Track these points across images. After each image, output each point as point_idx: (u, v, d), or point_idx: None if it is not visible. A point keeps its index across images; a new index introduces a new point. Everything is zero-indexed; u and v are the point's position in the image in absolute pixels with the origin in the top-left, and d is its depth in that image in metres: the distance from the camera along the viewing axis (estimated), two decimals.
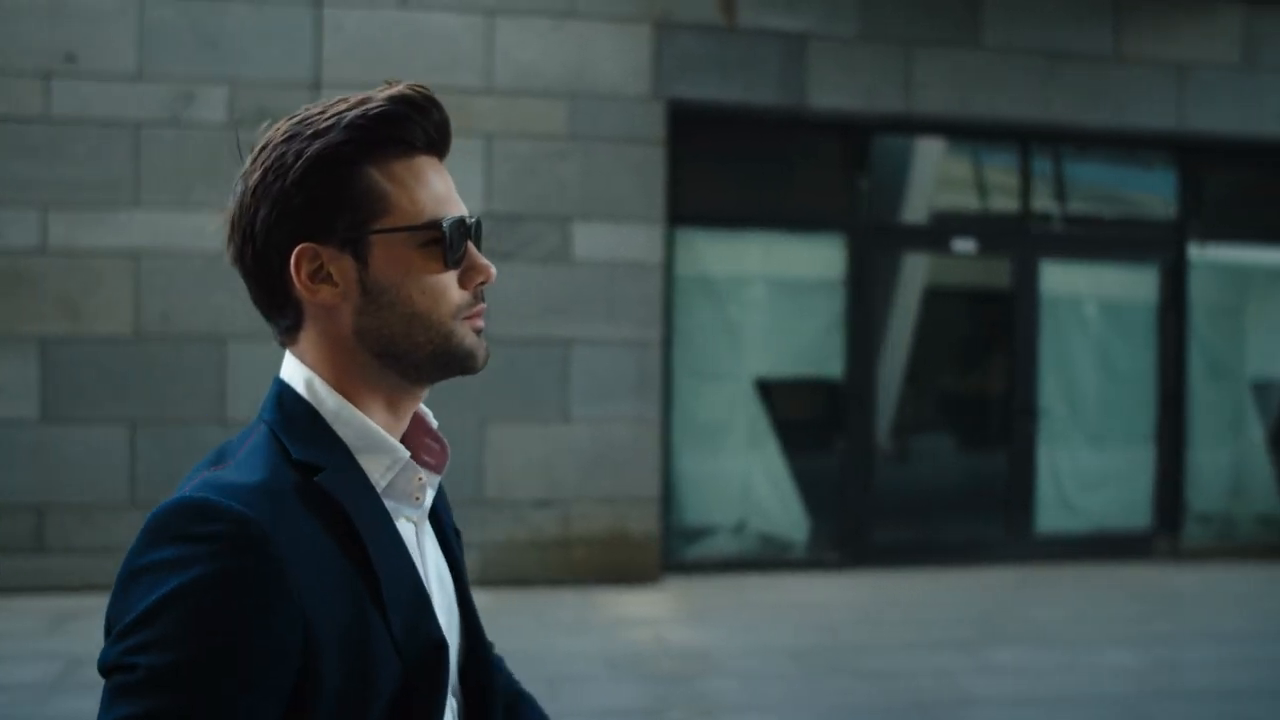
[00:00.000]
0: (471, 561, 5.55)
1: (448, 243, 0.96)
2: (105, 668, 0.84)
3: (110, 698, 0.83)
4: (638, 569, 5.77)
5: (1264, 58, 6.49)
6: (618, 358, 5.72)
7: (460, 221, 0.97)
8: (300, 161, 0.93)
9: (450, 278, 0.97)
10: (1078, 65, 6.26)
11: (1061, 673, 4.59)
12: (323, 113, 0.95)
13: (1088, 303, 6.62)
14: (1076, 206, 6.77)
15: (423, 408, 1.05)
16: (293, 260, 0.94)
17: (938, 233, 6.50)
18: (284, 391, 0.98)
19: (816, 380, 6.28)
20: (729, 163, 6.22)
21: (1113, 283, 6.70)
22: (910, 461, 6.68)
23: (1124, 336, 6.66)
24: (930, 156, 6.48)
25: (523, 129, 5.66)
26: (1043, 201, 6.68)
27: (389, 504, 0.98)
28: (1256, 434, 6.89)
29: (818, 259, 6.26)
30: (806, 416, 6.40)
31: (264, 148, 0.96)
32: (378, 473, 0.97)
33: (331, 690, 0.87)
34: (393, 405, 1.00)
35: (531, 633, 4.87)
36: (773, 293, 6.25)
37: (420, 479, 1.00)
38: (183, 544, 0.84)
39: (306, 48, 5.45)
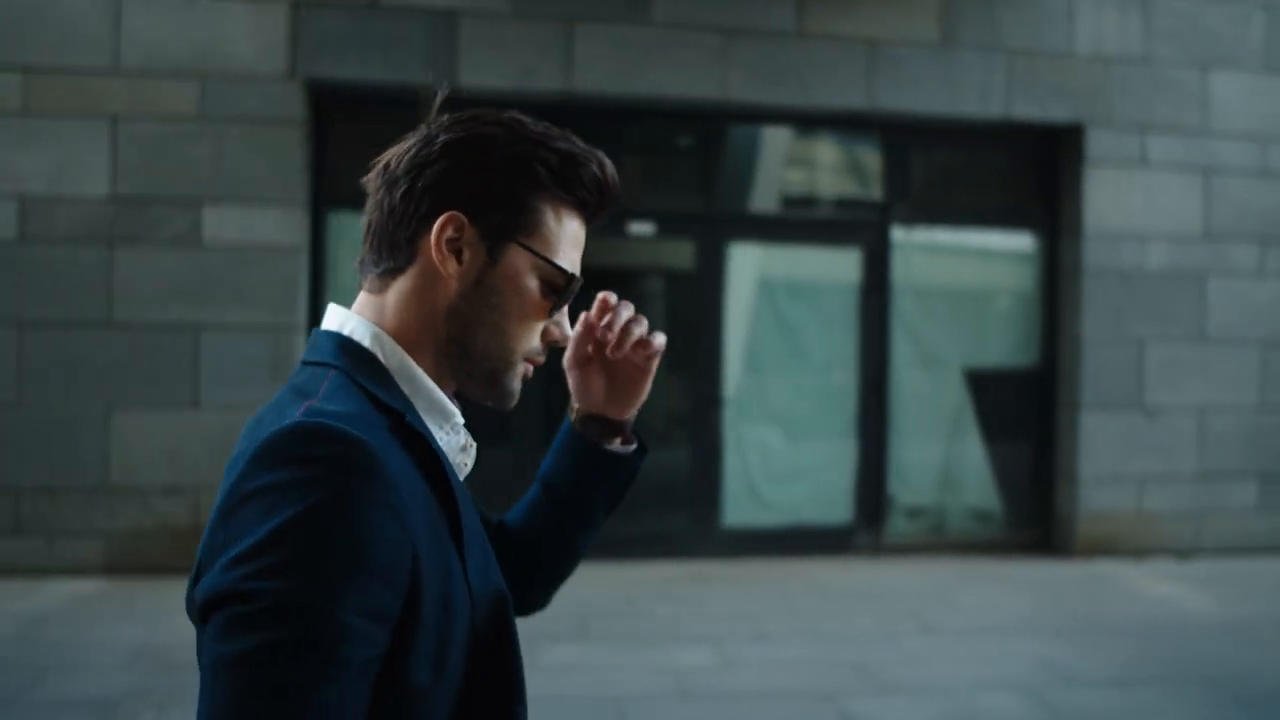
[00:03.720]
0: (98, 550, 5.63)
1: (564, 294, 1.08)
2: (219, 596, 0.84)
3: (223, 629, 0.83)
4: None
5: (964, 35, 6.44)
6: (251, 343, 5.79)
7: (577, 281, 1.09)
8: (504, 152, 1.04)
9: (541, 322, 1.08)
10: (756, 42, 6.22)
11: (615, 671, 4.61)
12: (539, 126, 1.07)
13: (781, 287, 6.62)
14: (770, 186, 6.69)
15: None
16: (442, 219, 1.02)
17: (613, 214, 6.46)
18: (347, 342, 1.04)
19: None
20: (382, 145, 6.15)
21: (810, 266, 6.69)
22: None
23: (823, 323, 6.64)
24: (599, 137, 6.41)
25: (151, 110, 5.73)
26: (731, 182, 6.61)
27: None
28: (970, 424, 6.79)
29: None
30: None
31: (474, 119, 1.06)
32: (438, 432, 1.05)
33: (429, 627, 0.92)
34: (440, 380, 1.07)
35: (150, 622, 5.06)
36: None
37: (469, 443, 1.10)
38: (300, 466, 0.87)
39: None
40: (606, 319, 1.20)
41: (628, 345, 1.20)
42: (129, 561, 5.80)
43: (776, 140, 6.89)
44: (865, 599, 5.87)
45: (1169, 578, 6.43)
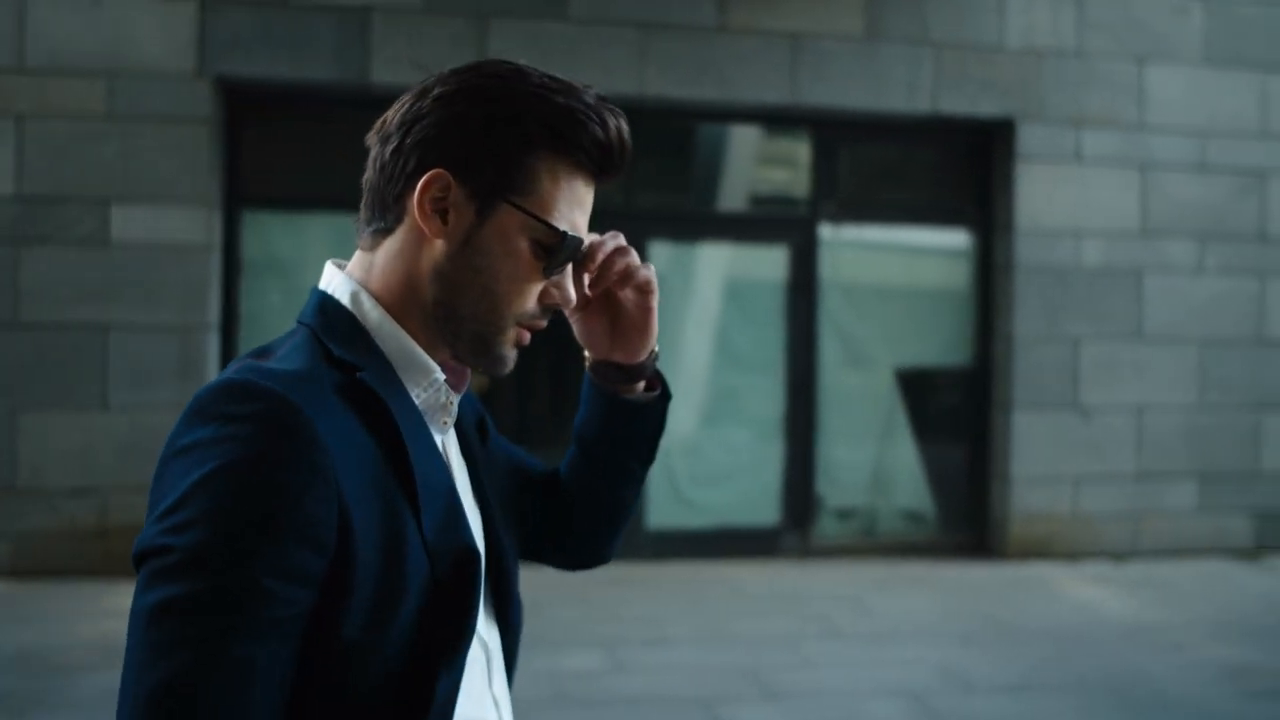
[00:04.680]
0: (3, 552, 5.58)
1: (558, 254, 1.03)
2: (142, 551, 0.87)
3: (145, 581, 0.85)
4: None
5: (890, 29, 6.35)
6: (160, 343, 5.75)
7: (579, 244, 1.04)
8: (496, 105, 0.99)
9: (537, 284, 1.04)
10: (676, 37, 6.15)
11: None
12: (541, 79, 1.01)
13: (706, 285, 6.55)
14: (693, 183, 6.62)
15: None
16: (425, 177, 0.99)
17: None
18: (326, 300, 1.04)
19: None
20: (297, 143, 6.19)
21: (736, 264, 6.62)
22: None
23: (749, 322, 6.56)
24: None
25: (58, 109, 5.69)
26: (653, 179, 6.54)
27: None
28: (902, 424, 6.69)
29: None
30: None
31: (472, 69, 1.02)
32: (413, 389, 1.03)
33: (364, 584, 0.91)
34: (423, 343, 1.05)
35: (43, 625, 5.02)
36: None
37: (450, 401, 1.07)
38: (222, 423, 0.87)
39: None
40: (586, 248, 1.11)
41: (611, 277, 1.13)
42: (34, 564, 5.74)
43: (699, 137, 6.81)
44: (780, 602, 5.78)
45: (1099, 581, 6.32)
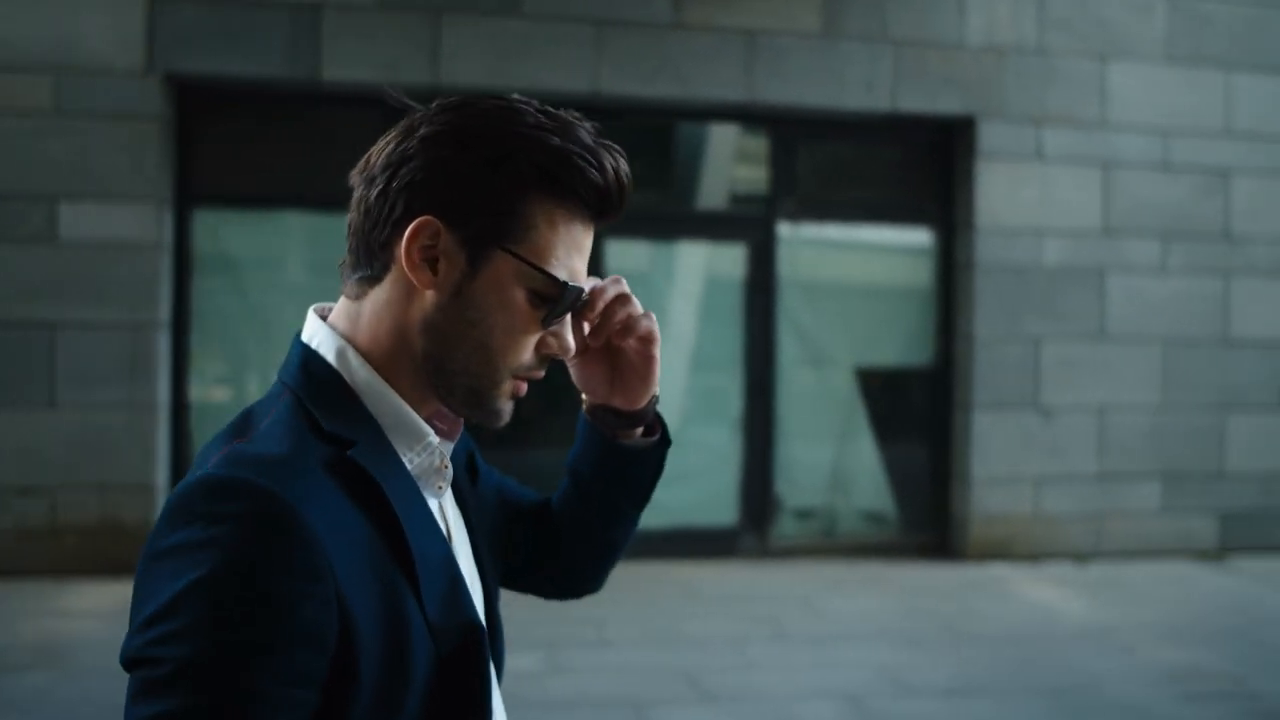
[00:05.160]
0: None
1: (558, 304, 0.97)
2: (129, 660, 0.83)
3: (137, 693, 0.82)
4: (135, 560, 5.67)
5: (848, 26, 6.31)
6: (109, 341, 5.72)
7: (579, 293, 0.99)
8: (487, 146, 0.93)
9: (534, 335, 0.98)
10: (631, 34, 6.11)
11: None
12: (535, 118, 0.95)
13: (663, 284, 6.48)
14: (651, 181, 6.57)
15: None
16: (413, 225, 0.93)
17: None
18: (311, 359, 0.98)
19: None
20: (249, 140, 6.16)
21: (693, 262, 6.57)
22: None
23: (707, 320, 6.52)
24: None
25: (5, 105, 5.70)
26: None
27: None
28: (862, 423, 6.65)
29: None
30: None
31: (460, 107, 0.96)
32: (405, 454, 0.98)
33: (369, 678, 0.87)
34: (414, 399, 1.00)
35: None
36: (304, 274, 6.15)
37: (446, 464, 1.01)
38: (205, 525, 0.83)
39: None
40: (587, 296, 1.07)
41: (612, 327, 1.09)
42: None
43: (655, 135, 6.76)
44: (731, 603, 5.74)
45: (1058, 582, 6.27)
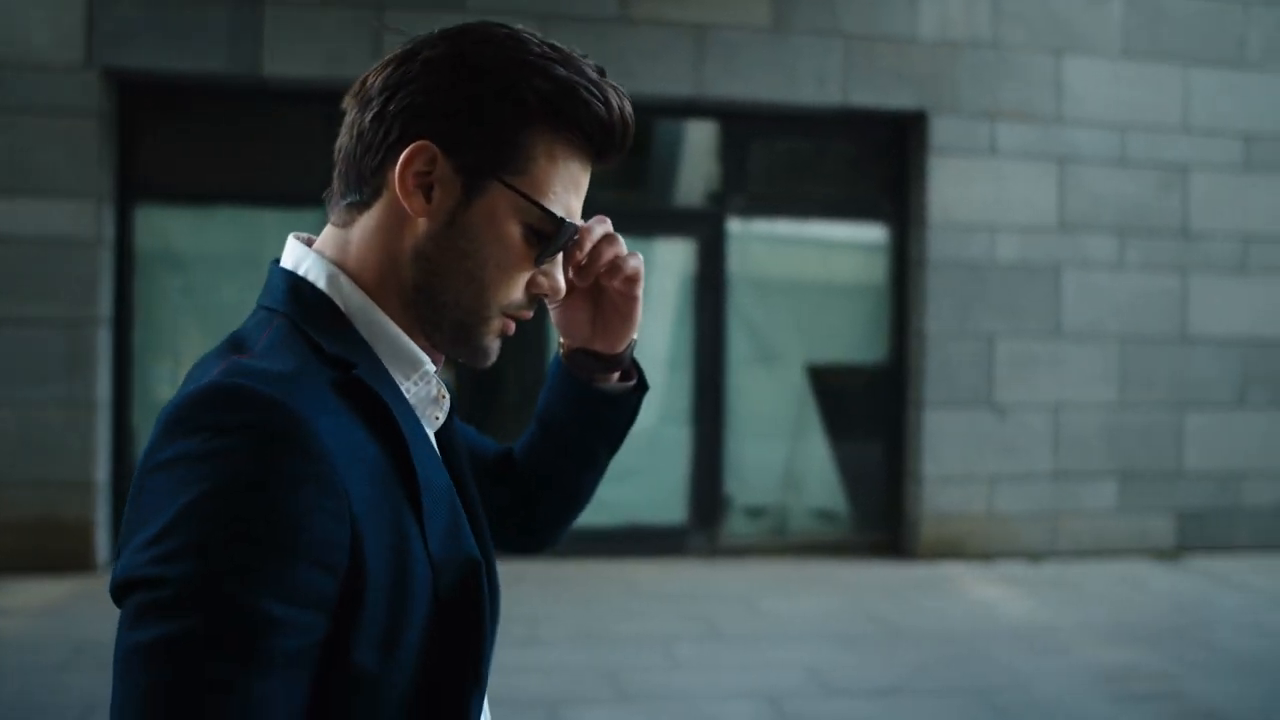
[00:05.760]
0: None
1: (553, 242, 0.95)
2: (126, 581, 0.77)
3: (134, 616, 0.76)
4: (74, 558, 5.67)
5: (798, 21, 6.25)
6: (50, 338, 5.69)
7: (574, 231, 0.97)
8: (490, 74, 0.90)
9: (525, 272, 0.95)
10: (577, 28, 6.07)
11: None
12: (540, 48, 0.92)
13: None
14: (599, 177, 6.48)
15: None
16: (409, 150, 0.90)
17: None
18: (299, 283, 0.93)
19: None
20: (191, 136, 6.12)
21: (641, 258, 6.40)
22: None
23: (656, 317, 6.48)
24: None
25: None
26: None
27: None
28: (814, 421, 6.60)
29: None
30: None
31: (465, 32, 0.93)
32: (403, 382, 0.95)
33: (376, 603, 0.83)
34: (404, 329, 0.97)
35: None
36: (249, 271, 6.11)
37: (443, 394, 0.99)
38: (212, 435, 0.78)
39: None
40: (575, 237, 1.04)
41: (599, 267, 1.07)
42: None
43: None
44: (670, 602, 5.68)
45: (1009, 582, 6.21)
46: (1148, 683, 4.59)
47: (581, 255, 1.04)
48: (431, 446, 0.95)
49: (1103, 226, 6.76)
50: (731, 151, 6.69)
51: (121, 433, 6.06)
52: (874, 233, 6.88)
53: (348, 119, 0.95)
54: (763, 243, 6.74)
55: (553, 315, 1.12)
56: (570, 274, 1.04)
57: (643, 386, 1.20)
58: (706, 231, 6.62)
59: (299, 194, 6.32)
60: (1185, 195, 6.87)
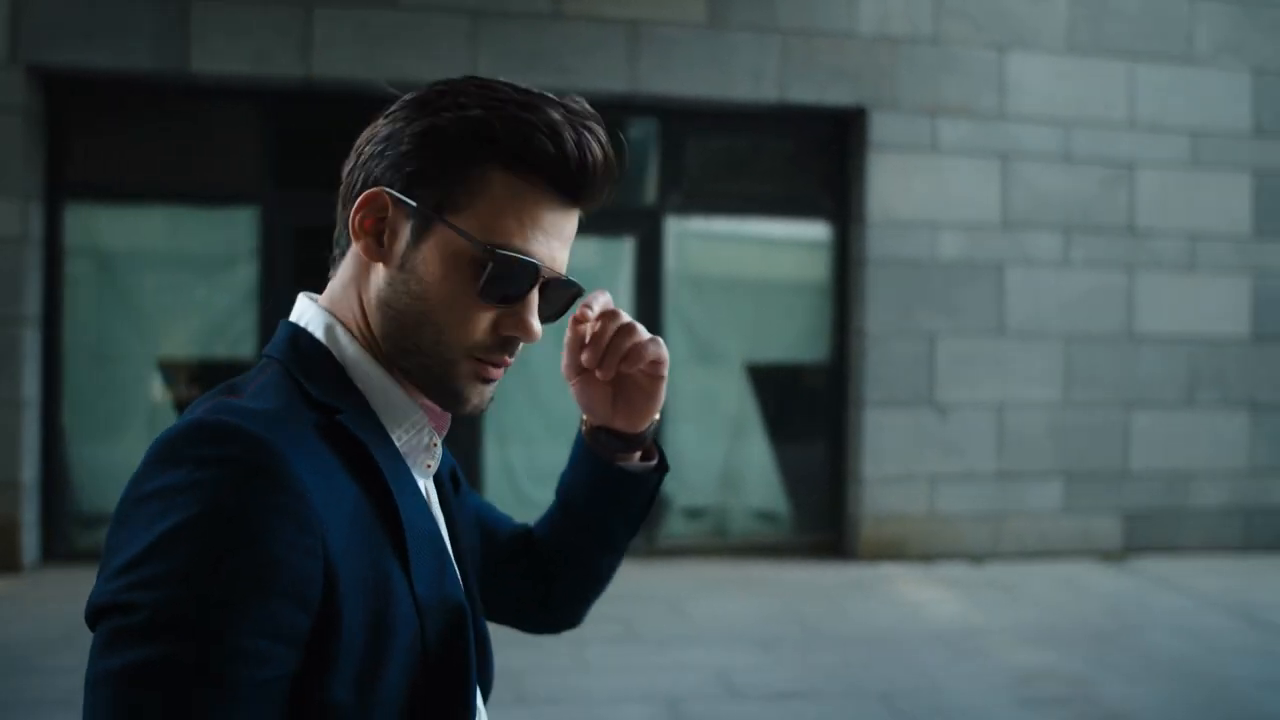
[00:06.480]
0: None
1: (489, 274, 0.92)
2: (100, 606, 0.79)
3: (106, 642, 0.77)
4: (2, 557, 5.64)
5: (734, 17, 6.18)
6: None
7: (526, 265, 0.94)
8: (439, 117, 0.92)
9: (484, 313, 0.94)
10: (510, 24, 6.02)
11: None
12: (505, 92, 0.93)
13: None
14: None
15: None
16: (361, 197, 0.94)
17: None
18: (299, 334, 0.97)
19: (229, 362, 6.08)
20: (121, 133, 6.08)
21: (577, 256, 6.32)
22: None
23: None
24: (341, 125, 6.21)
25: None
26: None
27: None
28: (754, 421, 6.53)
29: (228, 233, 6.06)
30: None
31: (437, 83, 0.96)
32: (394, 430, 0.97)
33: (352, 642, 0.84)
34: (398, 379, 0.99)
35: None
36: (179, 269, 6.09)
37: (434, 443, 1.00)
38: (194, 467, 0.80)
39: None
40: (586, 337, 1.05)
41: (615, 363, 1.05)
42: None
43: None
44: (595, 604, 5.61)
45: (946, 583, 6.13)
46: (1060, 686, 4.52)
47: (595, 355, 1.05)
48: (420, 494, 0.96)
49: (1047, 224, 6.67)
50: (668, 149, 6.62)
51: (51, 432, 6.03)
52: (814, 230, 6.80)
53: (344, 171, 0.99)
54: (701, 241, 6.67)
55: (573, 393, 1.11)
56: (586, 360, 1.05)
57: (663, 467, 1.18)
58: (643, 230, 6.55)
59: (228, 191, 6.29)
60: (1132, 192, 6.78)
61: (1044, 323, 6.68)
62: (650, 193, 6.63)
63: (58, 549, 6.04)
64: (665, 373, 1.09)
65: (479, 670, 1.04)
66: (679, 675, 4.55)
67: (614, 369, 1.06)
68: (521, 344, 0.96)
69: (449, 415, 1.02)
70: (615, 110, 6.57)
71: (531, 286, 0.94)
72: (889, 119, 6.48)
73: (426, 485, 1.02)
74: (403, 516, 0.90)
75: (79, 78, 5.95)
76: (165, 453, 0.82)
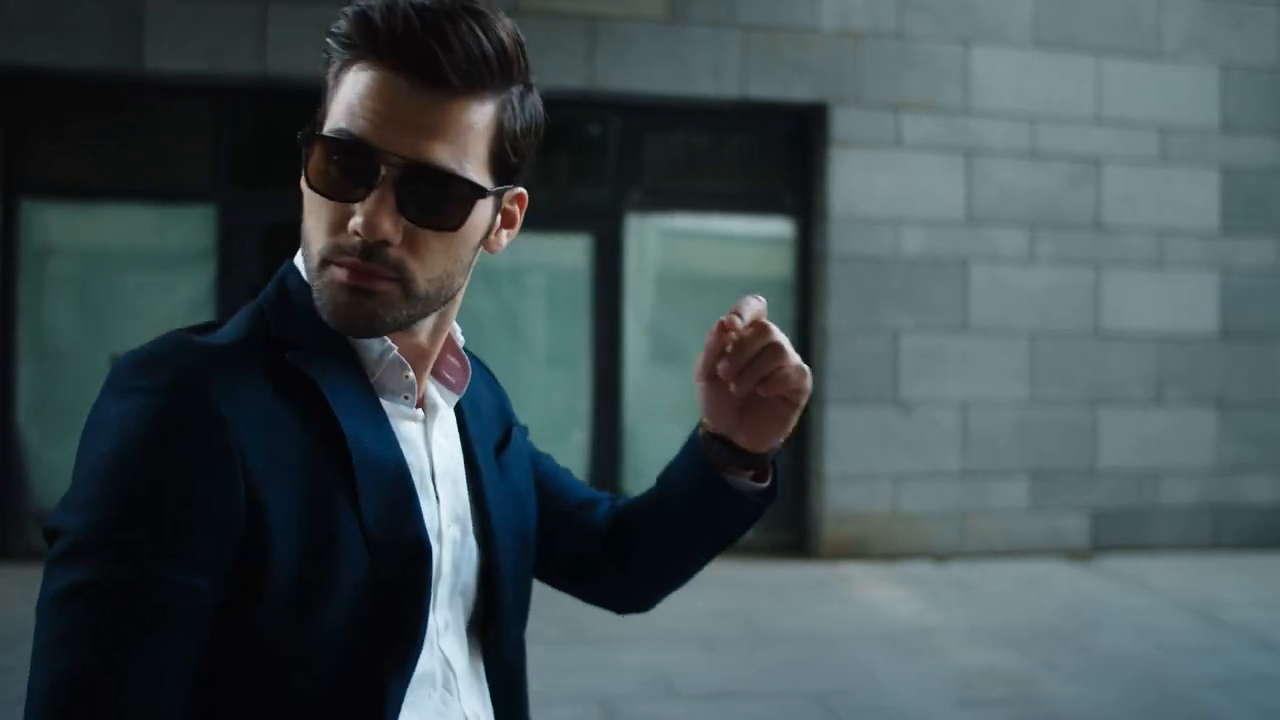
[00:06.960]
0: None
1: (308, 163, 0.89)
2: (45, 532, 0.83)
3: (46, 565, 0.81)
4: None
5: (694, 12, 6.14)
6: None
7: (326, 139, 0.88)
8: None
9: (329, 210, 0.88)
10: None
11: None
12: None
13: (506, 278, 6.31)
14: None
15: (454, 324, 1.04)
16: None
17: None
18: (290, 272, 0.97)
19: None
20: (77, 131, 6.05)
21: (537, 254, 6.40)
22: None
23: (551, 314, 6.39)
24: (298, 123, 6.18)
25: None
26: None
27: (385, 401, 0.95)
28: None
29: (184, 231, 6.05)
30: None
31: None
32: (368, 364, 0.95)
33: (286, 576, 0.83)
34: None
35: None
36: (135, 267, 6.07)
37: (408, 376, 0.96)
38: (125, 396, 0.82)
39: None
40: (728, 345, 0.97)
41: (752, 383, 0.97)
42: None
43: None
44: (543, 604, 5.54)
45: (906, 583, 6.06)
46: (1004, 686, 4.46)
47: (733, 369, 0.97)
48: (388, 429, 0.93)
49: (1012, 220, 6.60)
50: (628, 146, 6.57)
51: (5, 429, 6.02)
52: (777, 227, 6.74)
53: None
54: (662, 238, 6.62)
55: (699, 396, 1.03)
56: (722, 371, 0.97)
57: (773, 492, 1.11)
58: (604, 227, 6.51)
59: (184, 189, 6.27)
60: (1098, 188, 6.70)
61: (1009, 320, 6.62)
62: (610, 190, 6.59)
63: (14, 547, 6.02)
64: (804, 402, 1.01)
65: (513, 614, 1.03)
66: (617, 676, 4.50)
67: (750, 388, 0.98)
68: (390, 248, 0.87)
69: (468, 373, 1.02)
70: (573, 107, 6.53)
71: (350, 164, 0.87)
72: (852, 115, 6.42)
73: (428, 426, 0.98)
74: (352, 450, 0.87)
75: (33, 75, 5.94)
76: (109, 381, 0.84)
